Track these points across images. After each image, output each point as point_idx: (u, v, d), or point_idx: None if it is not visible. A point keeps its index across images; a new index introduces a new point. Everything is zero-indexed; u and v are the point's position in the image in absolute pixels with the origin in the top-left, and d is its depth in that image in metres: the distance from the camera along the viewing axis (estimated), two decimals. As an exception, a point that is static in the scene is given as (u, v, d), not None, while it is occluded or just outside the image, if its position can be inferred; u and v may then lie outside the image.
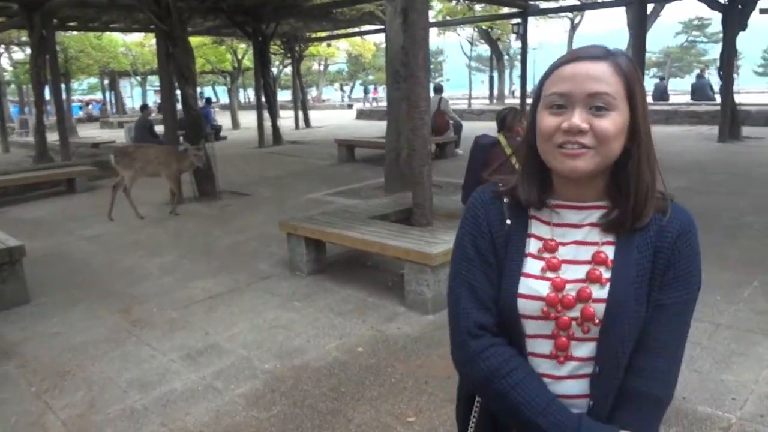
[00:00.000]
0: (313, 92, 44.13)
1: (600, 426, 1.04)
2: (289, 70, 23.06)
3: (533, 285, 1.07)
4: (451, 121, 11.82)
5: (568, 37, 28.97)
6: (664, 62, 47.59)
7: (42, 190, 9.60)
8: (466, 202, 1.21)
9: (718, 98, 13.81)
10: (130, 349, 3.72)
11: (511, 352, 1.08)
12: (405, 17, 6.27)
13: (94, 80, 39.67)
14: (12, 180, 9.40)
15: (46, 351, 3.73)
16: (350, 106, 35.23)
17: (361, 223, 4.87)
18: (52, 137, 13.02)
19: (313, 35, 21.21)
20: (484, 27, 24.56)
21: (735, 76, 12.11)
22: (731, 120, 11.80)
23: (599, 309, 1.04)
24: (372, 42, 31.02)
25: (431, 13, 18.67)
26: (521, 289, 1.08)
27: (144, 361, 3.53)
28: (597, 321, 1.04)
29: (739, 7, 11.24)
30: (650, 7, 15.44)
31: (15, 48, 24.67)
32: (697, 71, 23.29)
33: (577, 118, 1.00)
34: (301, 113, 20.87)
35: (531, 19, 16.54)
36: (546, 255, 1.09)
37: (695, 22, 48.04)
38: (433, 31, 22.65)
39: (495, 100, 26.78)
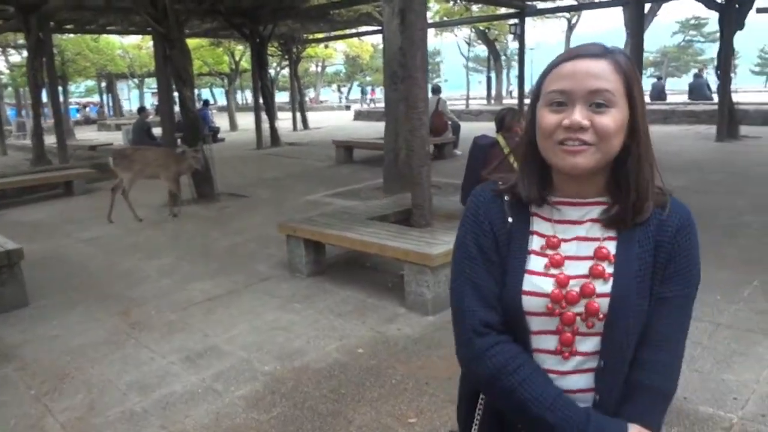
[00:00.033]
0: (310, 93, 44.11)
1: (607, 419, 1.05)
2: (286, 71, 22.98)
3: (537, 282, 1.08)
4: (450, 122, 11.82)
5: (566, 37, 28.97)
6: (661, 62, 47.67)
7: (39, 192, 9.58)
8: (466, 202, 1.21)
9: (715, 97, 13.83)
10: (129, 351, 3.71)
11: (517, 349, 1.09)
12: (402, 18, 6.27)
13: (91, 83, 39.61)
14: (9, 183, 9.38)
15: (45, 354, 3.72)
16: (348, 108, 35.22)
17: (360, 225, 4.86)
18: (50, 140, 13.01)
19: (311, 37, 21.19)
20: (481, 28, 24.57)
21: (732, 75, 12.09)
22: (729, 119, 11.82)
23: (603, 304, 1.05)
24: (369, 43, 31.02)
25: (428, 14, 18.67)
26: (525, 286, 1.08)
27: (143, 364, 3.52)
28: (601, 316, 1.06)
29: (736, 6, 11.25)
30: (647, 6, 15.44)
31: (12, 51, 24.65)
32: (694, 71, 23.33)
33: (578, 115, 1.01)
34: (299, 115, 20.85)
35: (528, 20, 16.51)
36: (549, 252, 1.10)
37: (692, 22, 48.08)
38: (430, 32, 22.62)
39: (493, 101, 26.78)
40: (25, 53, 16.69)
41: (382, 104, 22.32)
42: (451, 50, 36.45)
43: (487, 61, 29.10)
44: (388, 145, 8.17)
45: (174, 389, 3.20)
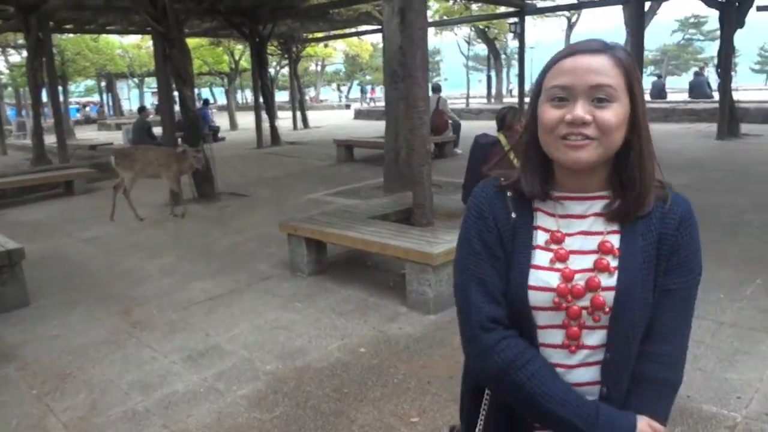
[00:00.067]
0: (310, 93, 44.09)
1: (616, 412, 1.06)
2: (286, 70, 22.97)
3: (543, 276, 1.08)
4: (450, 121, 11.81)
5: (565, 35, 28.96)
6: (661, 60, 47.68)
7: (40, 192, 9.57)
8: (467, 200, 1.20)
9: (716, 95, 13.82)
10: (130, 351, 3.70)
11: (524, 344, 1.09)
12: (402, 17, 6.26)
13: (91, 82, 39.58)
14: (10, 183, 9.37)
15: (46, 353, 3.72)
16: (348, 106, 35.23)
17: (361, 223, 4.85)
18: (50, 140, 13.00)
19: (310, 36, 21.18)
20: (481, 26, 24.55)
21: (733, 73, 12.08)
22: (730, 117, 11.81)
23: (609, 297, 1.06)
24: (369, 42, 31.03)
25: (428, 13, 18.65)
26: (531, 281, 1.09)
27: (145, 363, 3.52)
28: (607, 309, 1.06)
29: (737, 4, 11.24)
30: (647, 5, 15.42)
31: (11, 51, 24.64)
32: (693, 69, 23.33)
33: (581, 110, 1.02)
34: (299, 114, 20.85)
35: (528, 18, 16.50)
36: (553, 246, 1.10)
37: (692, 20, 48.11)
38: (429, 31, 22.58)
39: (493, 100, 26.78)
40: (24, 53, 16.68)
41: (382, 103, 22.34)
42: (450, 49, 36.50)
43: (487, 60, 29.08)
44: (389, 144, 8.17)
45: (176, 388, 3.19)
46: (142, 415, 2.95)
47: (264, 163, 12.40)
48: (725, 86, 11.81)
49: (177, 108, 9.26)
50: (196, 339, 3.83)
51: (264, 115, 15.39)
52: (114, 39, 25.60)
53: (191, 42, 14.89)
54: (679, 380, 1.12)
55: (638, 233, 1.08)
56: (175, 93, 8.85)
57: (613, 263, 1.07)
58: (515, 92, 21.62)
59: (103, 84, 36.74)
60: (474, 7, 19.77)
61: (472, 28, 26.22)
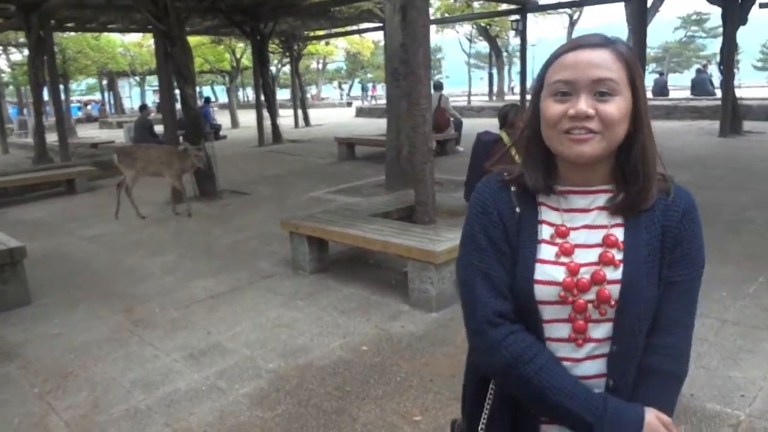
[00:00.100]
0: (312, 91, 44.08)
1: (624, 404, 1.06)
2: (287, 68, 22.92)
3: (549, 270, 1.09)
4: (452, 119, 11.79)
5: (567, 32, 28.87)
6: (663, 57, 47.56)
7: (41, 191, 9.57)
8: (470, 197, 1.20)
9: (718, 93, 13.78)
10: (132, 349, 3.70)
11: (531, 338, 1.09)
12: (404, 15, 6.26)
13: (92, 81, 39.62)
14: (11, 181, 9.38)
15: (48, 352, 3.72)
16: (349, 104, 35.19)
17: (363, 221, 4.85)
18: (51, 138, 12.99)
19: (312, 34, 21.14)
20: (482, 24, 24.49)
21: (735, 70, 12.04)
22: (732, 115, 11.76)
23: (614, 290, 1.07)
24: (370, 40, 30.98)
25: (429, 11, 18.63)
26: (537, 275, 1.09)
27: (147, 361, 3.51)
28: (613, 302, 1.07)
29: (739, 1, 11.20)
30: (649, 2, 15.38)
31: (13, 49, 24.64)
32: (695, 66, 23.27)
33: (584, 104, 1.02)
34: (300, 112, 20.83)
35: (530, 16, 16.48)
36: (558, 240, 1.11)
37: (694, 17, 47.99)
38: (431, 29, 22.57)
39: (495, 97, 26.71)
40: (26, 52, 16.70)
41: (383, 101, 22.30)
42: (452, 47, 36.43)
43: (489, 58, 28.99)
44: (391, 141, 8.16)
45: (178, 387, 3.19)
46: (144, 413, 2.95)
47: (265, 161, 12.40)
48: (728, 83, 11.77)
49: (178, 106, 9.26)
50: (198, 337, 3.82)
51: (265, 113, 15.38)
52: (115, 37, 25.57)
53: (192, 40, 14.89)
54: (684, 372, 1.13)
55: (642, 226, 1.09)
56: (177, 91, 8.84)
57: (618, 256, 1.08)
58: (517, 90, 21.63)
59: (104, 82, 36.77)
60: (476, 4, 19.74)
61: (474, 26, 26.16)
